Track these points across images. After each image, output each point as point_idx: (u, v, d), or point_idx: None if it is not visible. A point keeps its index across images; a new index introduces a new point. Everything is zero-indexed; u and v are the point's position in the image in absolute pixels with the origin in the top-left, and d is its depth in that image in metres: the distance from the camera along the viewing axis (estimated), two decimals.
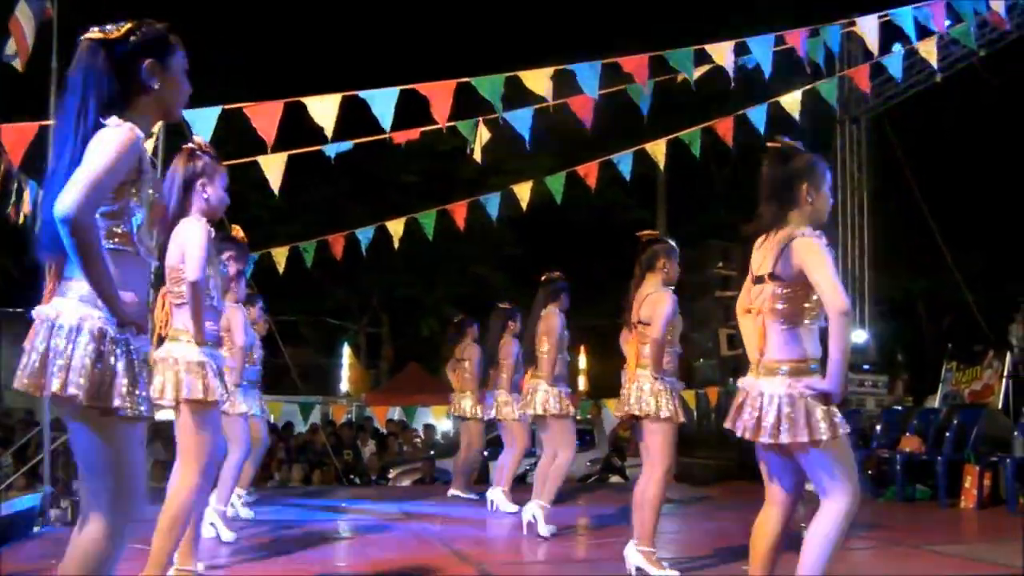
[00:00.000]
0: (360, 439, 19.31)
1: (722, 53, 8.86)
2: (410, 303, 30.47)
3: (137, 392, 3.32)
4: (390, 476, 17.12)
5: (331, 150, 9.06)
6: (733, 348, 16.06)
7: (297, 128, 9.11)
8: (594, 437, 19.52)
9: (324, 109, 8.09)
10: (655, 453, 6.49)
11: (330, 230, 12.66)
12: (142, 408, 3.34)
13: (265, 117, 7.92)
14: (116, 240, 3.39)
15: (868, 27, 9.28)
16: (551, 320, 8.63)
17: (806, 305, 4.42)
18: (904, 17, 9.33)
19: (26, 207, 8.75)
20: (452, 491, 11.69)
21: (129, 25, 3.47)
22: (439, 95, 8.19)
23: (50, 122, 7.81)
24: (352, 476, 16.76)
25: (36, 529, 8.54)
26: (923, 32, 9.68)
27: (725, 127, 9.98)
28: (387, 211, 12.72)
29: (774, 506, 4.65)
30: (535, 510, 8.32)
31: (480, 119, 9.23)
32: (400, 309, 31.61)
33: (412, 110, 8.46)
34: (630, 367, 6.71)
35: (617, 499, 9.54)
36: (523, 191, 11.25)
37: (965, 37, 10.20)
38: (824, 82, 9.98)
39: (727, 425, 4.71)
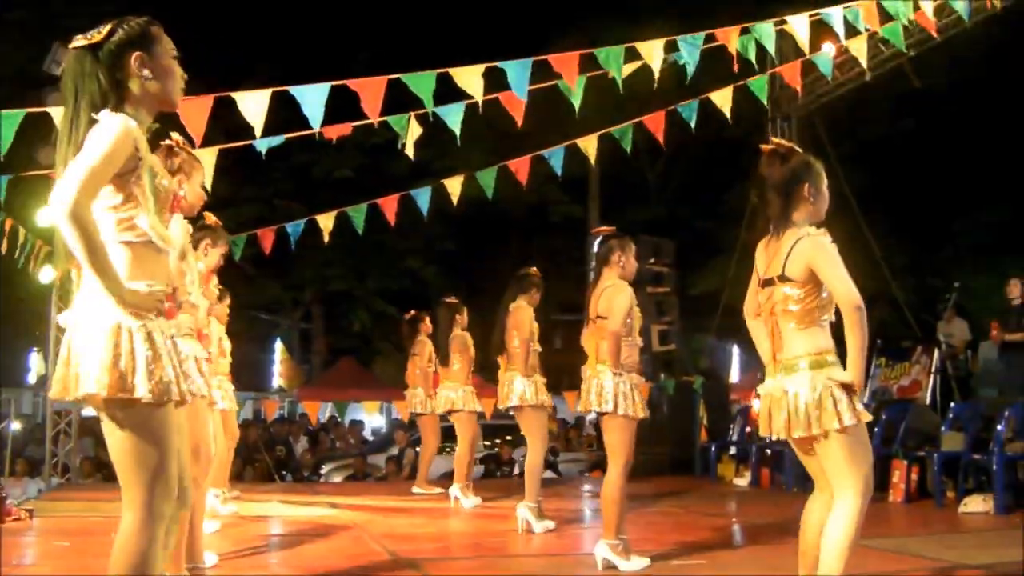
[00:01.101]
0: (292, 435, 19.22)
1: (652, 51, 8.88)
2: (342, 297, 30.35)
3: (164, 377, 3.34)
4: (322, 472, 17.05)
5: (262, 145, 8.97)
6: (665, 344, 16.11)
7: (228, 123, 9.03)
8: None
9: (254, 104, 8.01)
10: (612, 448, 6.54)
11: (262, 224, 12.57)
12: (168, 393, 3.35)
13: (194, 112, 7.82)
14: (130, 232, 3.44)
15: (799, 26, 9.34)
16: (520, 313, 8.66)
17: (818, 303, 4.49)
18: (834, 16, 9.39)
19: None
20: (414, 489, 11.70)
21: (110, 25, 3.50)
22: (370, 91, 8.14)
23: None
24: (284, 472, 16.66)
25: None
26: (854, 31, 9.75)
27: (656, 123, 9.99)
28: (320, 206, 12.64)
29: (822, 494, 4.69)
30: (523, 511, 8.36)
31: (411, 114, 9.18)
32: (332, 304, 31.49)
33: (344, 105, 8.40)
34: (591, 363, 6.77)
35: (548, 493, 9.55)
36: (454, 186, 11.22)
37: (895, 36, 10.28)
38: (755, 79, 10.02)
39: (761, 433, 4.77)
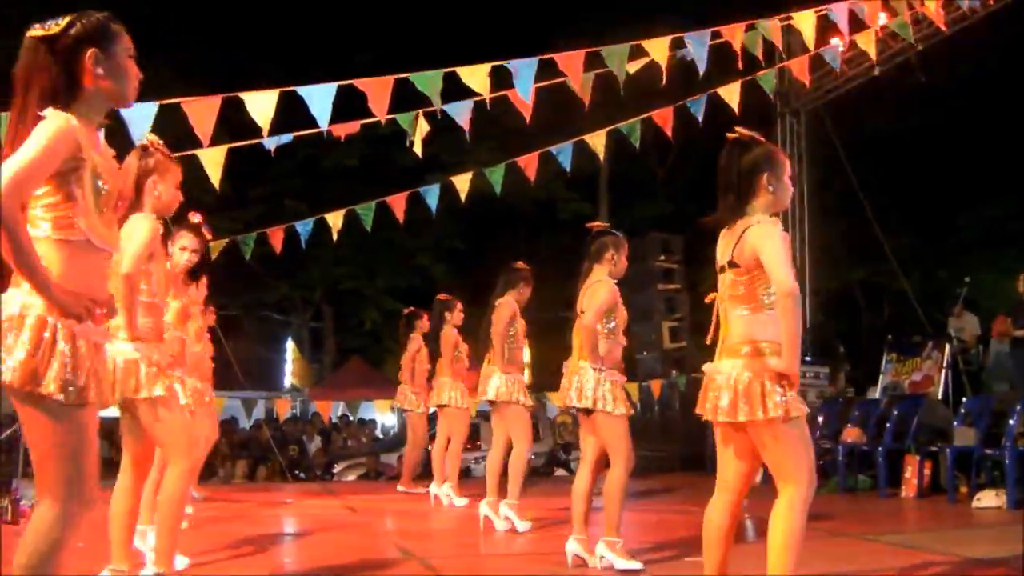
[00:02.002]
0: (306, 434, 19.23)
1: (658, 48, 8.86)
2: (352, 296, 30.34)
3: (79, 380, 3.28)
4: (335, 471, 17.06)
5: (270, 143, 8.99)
6: (675, 340, 16.12)
7: (234, 123, 9.02)
8: (538, 430, 19.54)
9: (262, 104, 8.02)
10: (610, 447, 6.48)
11: (271, 223, 12.58)
12: (86, 395, 3.30)
13: (202, 113, 7.82)
14: (62, 230, 3.37)
15: (805, 22, 9.33)
16: (502, 309, 8.61)
17: (764, 291, 4.42)
18: (840, 11, 9.38)
19: None
20: (400, 487, 11.71)
21: (68, 18, 3.43)
22: (377, 90, 8.15)
23: None
24: (297, 471, 16.68)
25: None
26: (862, 26, 9.74)
27: (664, 118, 9.98)
28: (328, 203, 12.64)
29: (724, 493, 4.65)
30: (504, 509, 8.35)
31: (420, 112, 9.19)
32: (343, 302, 31.49)
33: (350, 102, 8.41)
34: (573, 358, 6.69)
35: (564, 492, 9.55)
36: (462, 183, 11.22)
37: (903, 30, 10.27)
38: (763, 73, 10.01)
39: (697, 410, 4.70)
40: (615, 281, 6.71)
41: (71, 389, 3.27)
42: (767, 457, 4.44)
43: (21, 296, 3.28)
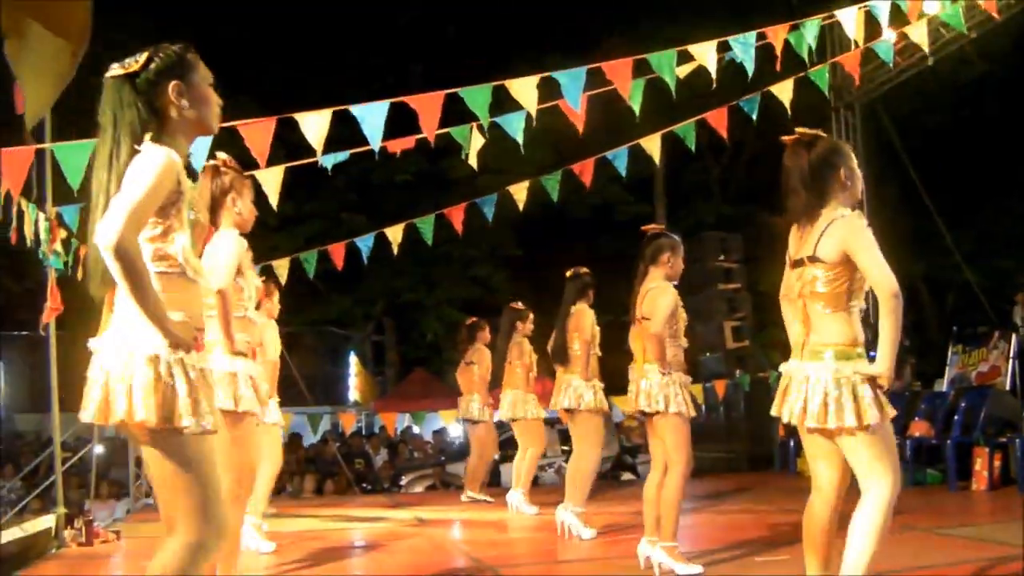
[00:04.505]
0: (371, 447, 19.34)
1: (704, 53, 8.87)
2: (413, 308, 30.46)
3: (201, 409, 3.36)
4: (402, 483, 17.14)
5: (327, 160, 9.07)
6: (738, 340, 16.07)
7: (287, 143, 9.11)
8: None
9: (315, 124, 8.11)
10: (671, 450, 6.47)
11: (331, 240, 12.67)
12: (206, 423, 3.37)
13: (258, 134, 7.93)
14: (164, 263, 3.46)
15: (847, 18, 9.30)
16: (581, 317, 8.56)
17: (849, 287, 4.41)
18: (883, 7, 9.34)
19: (28, 230, 8.76)
20: (466, 495, 11.73)
21: (147, 54, 3.51)
22: (428, 107, 8.21)
23: (47, 145, 7.85)
24: (364, 484, 16.77)
25: (52, 550, 8.57)
26: (908, 18, 9.70)
27: (719, 119, 9.96)
28: (385, 217, 12.72)
29: (820, 492, 4.60)
30: (567, 515, 8.34)
31: (473, 125, 9.24)
32: (403, 315, 31.62)
33: (403, 117, 8.47)
34: (637, 363, 6.69)
35: (632, 496, 9.57)
36: (519, 191, 11.25)
37: (954, 19, 10.20)
38: (815, 70, 9.97)
39: (773, 411, 4.70)
40: (672, 284, 6.73)
41: (199, 418, 3.35)
42: (854, 460, 4.40)
43: (127, 333, 3.34)
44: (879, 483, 4.33)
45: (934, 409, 11.75)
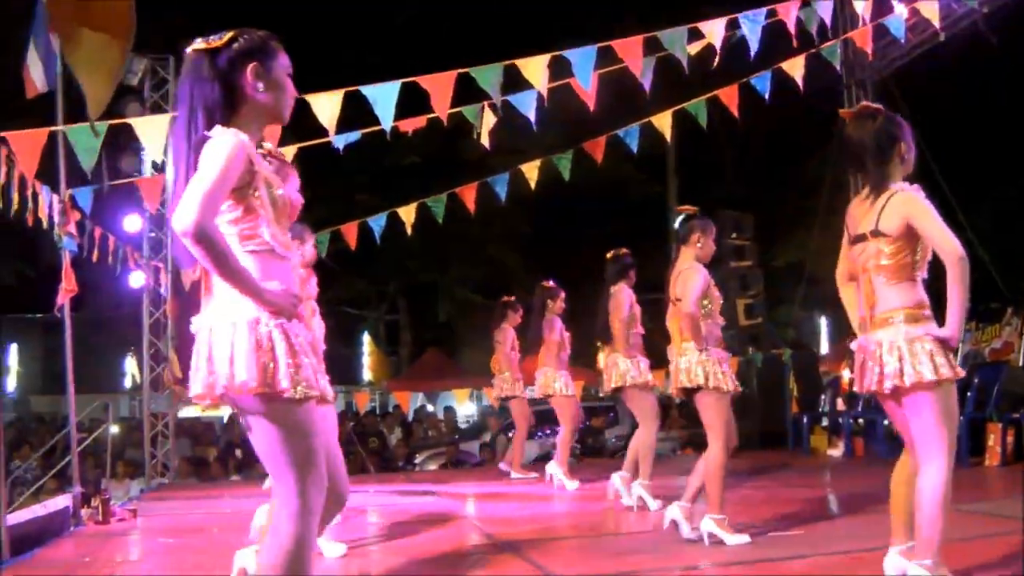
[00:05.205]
0: (386, 426, 19.40)
1: (713, 30, 8.86)
2: (426, 288, 30.50)
3: (303, 374, 3.38)
4: (416, 461, 17.21)
5: (339, 141, 9.10)
6: (751, 317, 16.04)
7: (298, 124, 9.12)
8: (617, 414, 19.60)
9: (327, 105, 8.12)
10: (708, 425, 6.58)
11: (343, 220, 12.68)
12: (310, 390, 3.39)
13: None
14: (252, 242, 3.48)
15: None
16: (619, 296, 8.71)
17: (912, 259, 4.50)
18: None
19: (43, 212, 8.81)
20: (506, 469, 11.79)
21: (231, 33, 3.55)
22: (439, 86, 8.21)
23: (60, 127, 7.88)
24: (379, 463, 16.84)
25: (70, 529, 8.63)
26: None
27: (730, 96, 9.95)
28: (397, 197, 12.72)
29: (909, 453, 4.68)
30: (640, 489, 8.40)
31: (485, 104, 9.24)
32: (417, 295, 31.66)
33: (414, 97, 8.48)
34: (675, 342, 6.80)
35: (675, 470, 9.66)
36: (531, 170, 11.26)
37: None
38: (826, 46, 9.95)
39: (855, 389, 4.78)
40: (703, 264, 6.83)
41: (301, 384, 3.36)
42: (919, 423, 4.48)
43: (225, 307, 3.38)
44: (939, 452, 4.41)
45: None
